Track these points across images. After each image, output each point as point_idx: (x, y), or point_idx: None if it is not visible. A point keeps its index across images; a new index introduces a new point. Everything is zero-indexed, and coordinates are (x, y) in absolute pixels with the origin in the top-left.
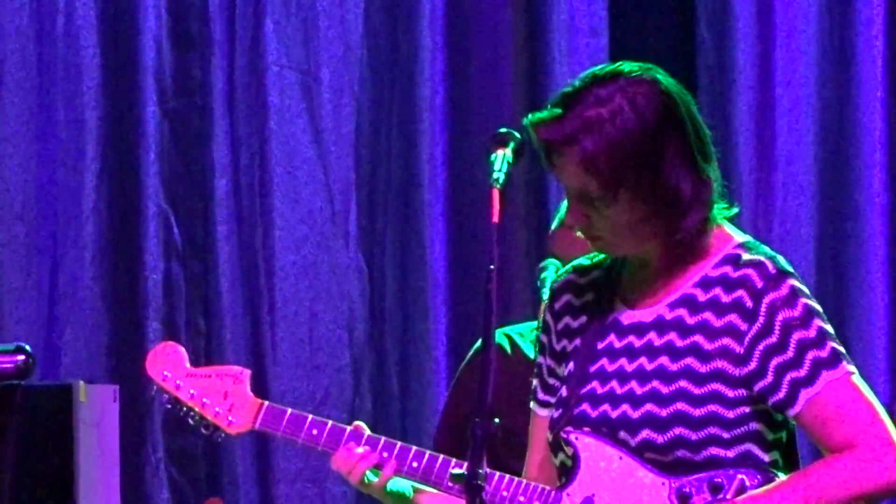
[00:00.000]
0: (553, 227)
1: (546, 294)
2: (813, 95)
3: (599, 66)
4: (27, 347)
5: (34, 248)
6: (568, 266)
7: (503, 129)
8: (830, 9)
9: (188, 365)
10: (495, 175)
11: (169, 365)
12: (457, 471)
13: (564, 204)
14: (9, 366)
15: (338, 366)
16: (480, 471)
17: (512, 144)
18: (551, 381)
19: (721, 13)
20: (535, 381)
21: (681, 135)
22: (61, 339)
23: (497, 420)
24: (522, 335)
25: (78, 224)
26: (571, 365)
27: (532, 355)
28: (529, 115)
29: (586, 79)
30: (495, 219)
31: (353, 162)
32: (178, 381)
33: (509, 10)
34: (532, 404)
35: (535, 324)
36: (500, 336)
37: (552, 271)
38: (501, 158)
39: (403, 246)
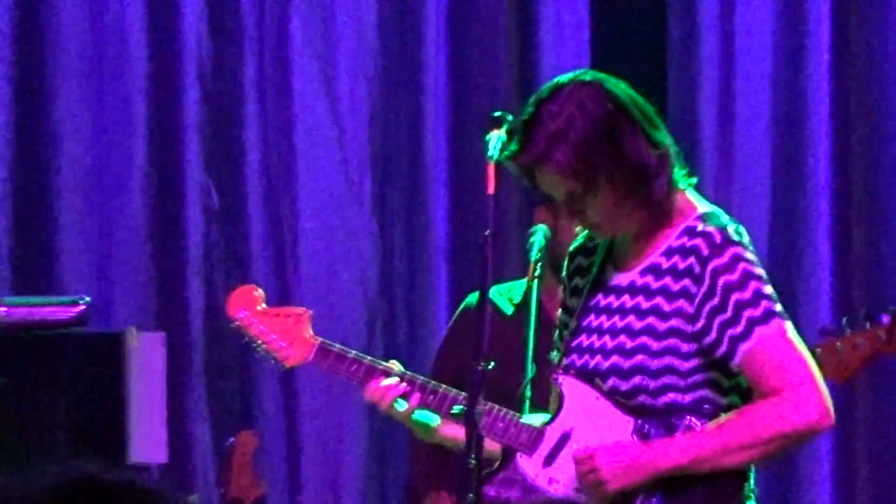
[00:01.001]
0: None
1: (535, 255)
2: (767, 87)
3: (542, 87)
4: (85, 298)
5: (90, 215)
6: (585, 232)
7: (498, 113)
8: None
9: (262, 305)
10: (491, 152)
11: (245, 304)
12: (456, 408)
13: None
14: (69, 315)
15: (353, 318)
16: (477, 408)
17: (505, 126)
18: (565, 333)
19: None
20: (556, 334)
21: (628, 116)
22: (114, 295)
23: (492, 364)
24: (501, 294)
25: (128, 192)
26: (573, 319)
27: (508, 312)
28: (502, 153)
29: (536, 102)
30: (491, 190)
31: (367, 139)
32: (251, 319)
33: (503, 4)
34: (555, 354)
35: (511, 284)
36: (478, 296)
37: (540, 236)
38: (497, 138)
39: (410, 212)
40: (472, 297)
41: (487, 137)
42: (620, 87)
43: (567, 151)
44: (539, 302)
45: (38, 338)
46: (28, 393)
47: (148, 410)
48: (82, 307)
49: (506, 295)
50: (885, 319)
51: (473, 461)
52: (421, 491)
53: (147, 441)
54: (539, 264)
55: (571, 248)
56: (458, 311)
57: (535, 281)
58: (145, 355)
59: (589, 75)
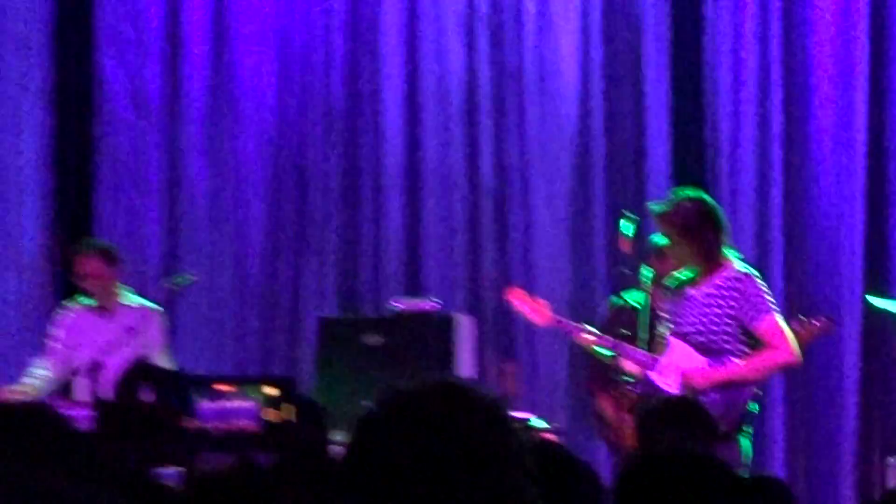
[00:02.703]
0: (649, 251)
1: (646, 281)
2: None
3: (682, 190)
4: (435, 300)
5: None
6: (676, 274)
7: (628, 213)
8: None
9: (523, 296)
10: (624, 232)
11: (515, 296)
12: (608, 352)
13: (653, 237)
14: (429, 307)
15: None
16: (618, 352)
17: (634, 220)
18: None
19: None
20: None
21: (712, 223)
22: (449, 302)
23: (627, 332)
24: (632, 298)
25: (451, 240)
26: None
27: (638, 307)
28: (653, 208)
29: (675, 197)
30: (625, 250)
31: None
32: (519, 304)
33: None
34: (664, 330)
35: (636, 292)
36: (622, 300)
37: (647, 272)
38: (626, 225)
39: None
40: (616, 299)
41: (622, 225)
42: (716, 208)
43: (679, 222)
44: (650, 304)
45: (413, 318)
46: (406, 346)
47: (465, 353)
48: (435, 304)
49: (634, 298)
50: (821, 320)
51: (621, 377)
52: (593, 390)
53: (465, 366)
54: (648, 286)
55: (670, 281)
56: (610, 306)
57: (647, 294)
58: (463, 328)
59: (705, 196)
